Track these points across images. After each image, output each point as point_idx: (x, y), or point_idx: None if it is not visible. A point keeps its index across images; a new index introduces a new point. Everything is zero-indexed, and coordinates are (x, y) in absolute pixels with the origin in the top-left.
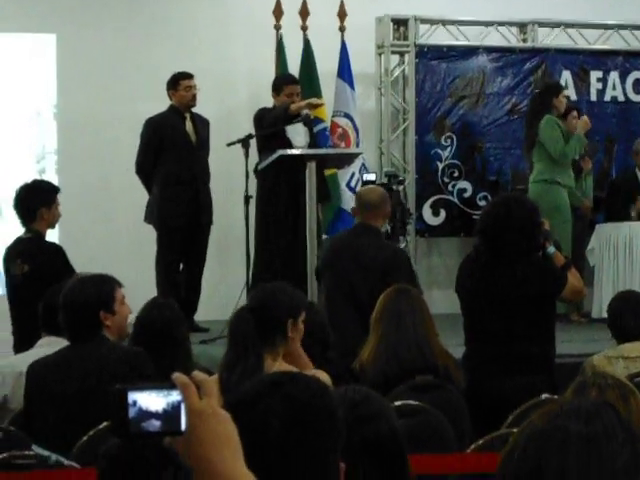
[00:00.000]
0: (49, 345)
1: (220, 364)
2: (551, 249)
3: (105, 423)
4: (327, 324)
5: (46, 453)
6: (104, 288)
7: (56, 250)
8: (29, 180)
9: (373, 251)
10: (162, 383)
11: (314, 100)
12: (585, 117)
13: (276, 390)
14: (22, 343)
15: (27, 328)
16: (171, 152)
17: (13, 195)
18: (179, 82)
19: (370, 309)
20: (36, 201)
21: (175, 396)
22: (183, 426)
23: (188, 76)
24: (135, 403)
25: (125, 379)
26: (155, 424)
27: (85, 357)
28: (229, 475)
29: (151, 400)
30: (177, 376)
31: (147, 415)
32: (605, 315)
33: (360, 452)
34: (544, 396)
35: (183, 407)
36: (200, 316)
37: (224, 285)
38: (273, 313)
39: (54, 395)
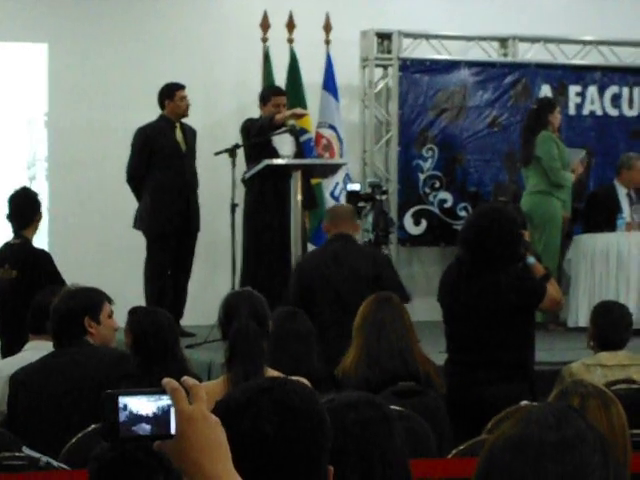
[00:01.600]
0: (36, 349)
1: (227, 378)
2: (531, 259)
3: (93, 426)
4: (313, 331)
5: (37, 455)
6: (93, 297)
7: (44, 256)
8: (19, 187)
9: (360, 258)
10: (152, 388)
11: (298, 110)
12: (580, 164)
13: (266, 395)
14: (9, 347)
15: (14, 332)
16: (162, 160)
17: (6, 201)
18: (175, 92)
19: None
20: (33, 209)
21: (165, 400)
22: (173, 430)
23: (182, 87)
24: (126, 407)
25: (109, 379)
26: (145, 428)
27: (68, 361)
28: (219, 478)
29: (141, 404)
30: (167, 381)
31: (137, 419)
32: (581, 324)
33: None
34: (524, 402)
35: (173, 411)
36: (186, 321)
37: (210, 291)
38: (265, 319)
39: (38, 400)
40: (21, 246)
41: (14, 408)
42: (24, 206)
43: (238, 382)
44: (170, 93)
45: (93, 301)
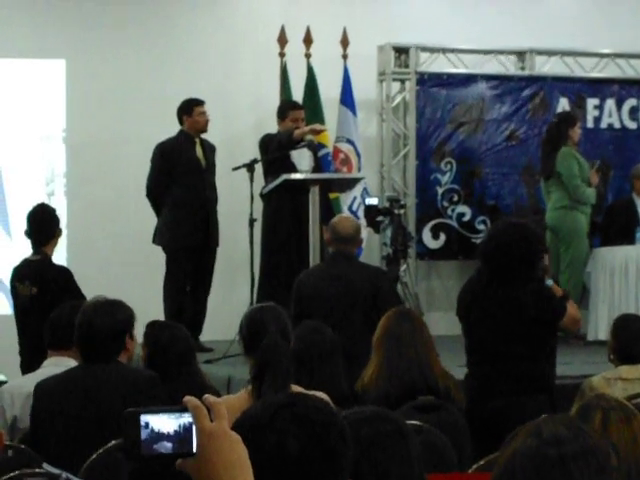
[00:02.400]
0: (56, 365)
1: (252, 394)
2: (549, 281)
3: (114, 442)
4: (338, 344)
5: (57, 471)
6: (130, 313)
7: (65, 272)
8: (37, 204)
9: (359, 276)
10: (174, 406)
11: (317, 126)
12: (595, 173)
13: (288, 412)
14: (29, 363)
15: (34, 348)
16: (182, 176)
17: (26, 217)
18: (193, 108)
19: (362, 334)
20: (52, 225)
21: (186, 418)
22: (194, 448)
23: (201, 102)
24: (147, 425)
25: (138, 402)
26: (167, 446)
27: (99, 378)
28: None
29: (163, 422)
30: (188, 399)
31: (159, 437)
32: (600, 338)
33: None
34: (544, 416)
35: (194, 429)
36: (204, 336)
37: (228, 306)
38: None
39: (62, 413)
40: (41, 262)
41: (37, 418)
42: (43, 222)
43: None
44: (189, 109)
45: (131, 316)
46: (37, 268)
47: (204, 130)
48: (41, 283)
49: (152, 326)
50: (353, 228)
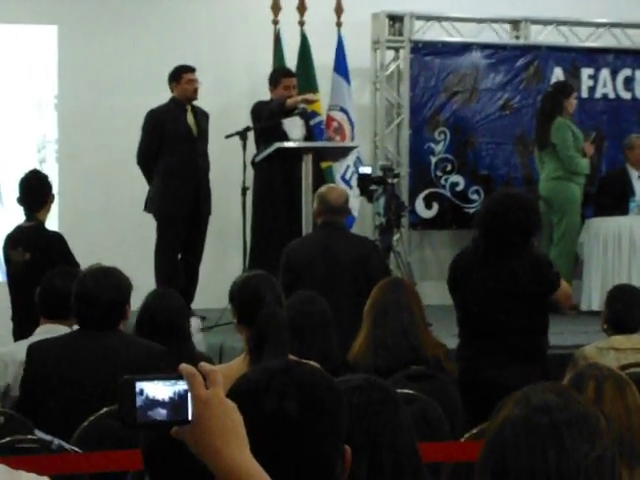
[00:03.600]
0: (48, 332)
1: (251, 363)
2: None
3: (106, 409)
4: (330, 315)
5: (49, 438)
6: (128, 282)
7: (58, 238)
8: (29, 170)
9: (348, 246)
10: (169, 373)
11: (309, 96)
12: (590, 144)
13: (286, 375)
14: (22, 329)
15: (27, 315)
16: (173, 144)
17: (17, 184)
18: (181, 75)
19: (355, 304)
20: (45, 191)
21: (182, 386)
22: (190, 415)
23: (190, 69)
24: (142, 392)
25: (142, 371)
26: (162, 413)
27: (103, 344)
28: (236, 463)
29: (158, 389)
30: (184, 366)
31: (154, 404)
32: (593, 308)
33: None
34: (531, 385)
35: (190, 397)
36: (197, 304)
37: (221, 274)
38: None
39: (58, 377)
40: (34, 229)
41: (30, 380)
42: (35, 189)
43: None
44: (177, 76)
45: (130, 285)
46: (30, 234)
47: (193, 97)
48: (34, 249)
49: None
50: (343, 198)
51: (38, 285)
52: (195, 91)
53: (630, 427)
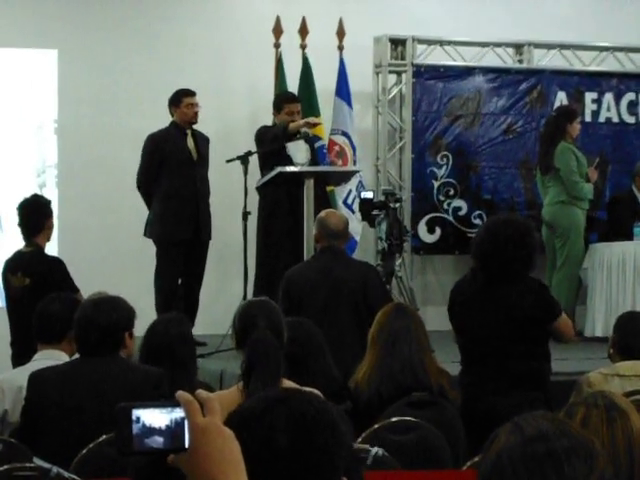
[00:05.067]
0: (48, 358)
1: (243, 389)
2: None
3: (105, 436)
4: (322, 339)
5: (47, 465)
6: (130, 311)
7: (57, 263)
8: (28, 195)
9: (349, 271)
10: (166, 401)
11: (312, 119)
12: (594, 170)
13: (281, 406)
14: (21, 355)
15: (26, 340)
16: (172, 168)
17: (15, 208)
18: (181, 99)
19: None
20: (43, 216)
21: (178, 413)
22: (187, 443)
23: (190, 93)
24: (139, 420)
25: (143, 398)
26: (158, 440)
27: (101, 371)
28: None
29: (155, 417)
30: (180, 394)
31: (151, 431)
32: (597, 334)
33: None
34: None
35: (187, 424)
36: (197, 330)
37: (222, 300)
38: (282, 331)
39: (59, 405)
40: (33, 254)
41: (30, 408)
42: (33, 213)
43: (255, 394)
44: (177, 100)
45: (131, 315)
46: (30, 259)
47: (193, 122)
48: (34, 274)
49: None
50: (342, 223)
51: (35, 310)
52: (195, 115)
53: (616, 456)
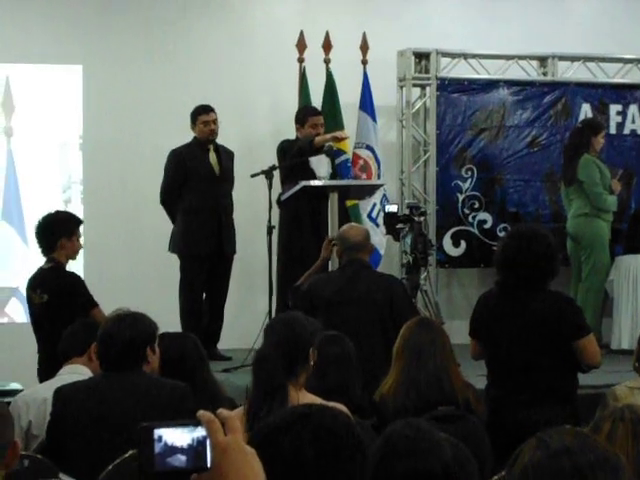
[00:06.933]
0: (71, 373)
1: (247, 402)
2: None
3: (131, 452)
4: (355, 355)
5: None
6: (153, 326)
7: (73, 279)
8: (52, 210)
9: (374, 284)
10: (187, 420)
11: (339, 133)
12: (617, 182)
13: (306, 420)
14: (45, 370)
15: (49, 357)
16: (194, 183)
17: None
18: (197, 117)
19: (380, 343)
20: (56, 231)
21: (200, 432)
22: (209, 462)
23: (205, 111)
24: (160, 439)
25: (167, 414)
26: (181, 459)
27: (125, 386)
28: None
29: (177, 436)
30: (202, 413)
31: (173, 450)
32: (624, 347)
33: None
34: (545, 430)
35: (208, 443)
36: (223, 344)
37: (247, 314)
38: (298, 344)
39: (84, 420)
40: (51, 270)
41: (56, 423)
42: (44, 230)
43: (255, 410)
44: (193, 117)
45: (154, 330)
46: (47, 276)
47: (211, 138)
48: (50, 291)
49: (161, 338)
50: (361, 235)
51: (56, 326)
52: (211, 132)
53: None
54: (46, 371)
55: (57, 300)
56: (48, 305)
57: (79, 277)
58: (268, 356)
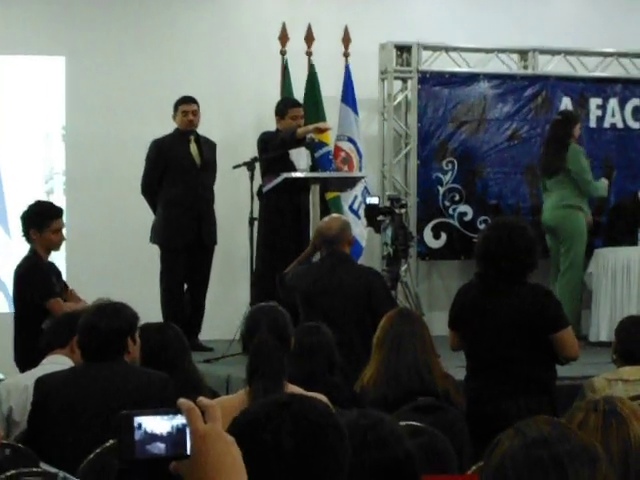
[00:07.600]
0: (54, 363)
1: (248, 394)
2: None
3: (111, 441)
4: (334, 345)
5: (54, 470)
6: (133, 316)
7: (32, 269)
8: (33, 201)
9: (353, 276)
10: (167, 408)
11: (321, 124)
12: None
13: (286, 410)
14: (23, 360)
15: (26, 345)
16: (175, 173)
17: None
18: (178, 107)
19: (356, 334)
20: (27, 223)
21: (180, 420)
22: (189, 450)
23: (186, 101)
24: (140, 426)
25: (147, 401)
26: (160, 447)
27: (107, 376)
28: None
29: (156, 423)
30: (182, 401)
31: (153, 438)
32: (602, 339)
33: (374, 476)
34: (524, 420)
35: (188, 431)
36: (204, 335)
37: (228, 305)
38: (283, 334)
39: (65, 409)
40: (23, 260)
41: (38, 412)
42: (21, 220)
43: (258, 398)
44: (175, 107)
45: (135, 320)
46: (18, 266)
47: (189, 128)
48: (14, 280)
49: (143, 329)
50: (338, 227)
51: (23, 314)
52: (190, 122)
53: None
54: (24, 360)
55: (17, 289)
56: (14, 294)
57: (41, 267)
58: (269, 343)
